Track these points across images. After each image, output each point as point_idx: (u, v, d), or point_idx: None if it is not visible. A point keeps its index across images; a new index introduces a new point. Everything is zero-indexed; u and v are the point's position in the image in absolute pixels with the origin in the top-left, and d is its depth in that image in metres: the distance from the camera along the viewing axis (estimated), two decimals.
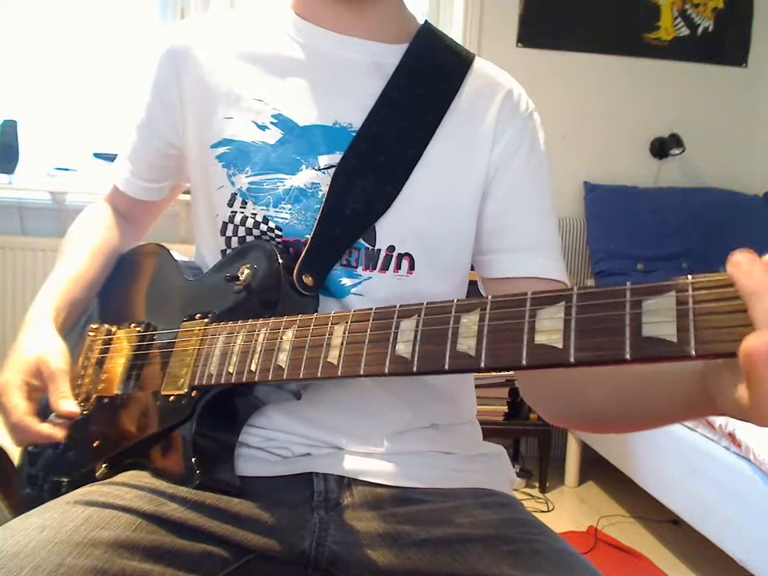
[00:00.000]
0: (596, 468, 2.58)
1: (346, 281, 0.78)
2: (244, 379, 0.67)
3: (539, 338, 0.47)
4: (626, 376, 0.66)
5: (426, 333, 0.53)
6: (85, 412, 0.84)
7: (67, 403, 0.74)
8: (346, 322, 0.60)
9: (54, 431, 0.75)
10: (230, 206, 0.79)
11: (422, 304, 0.55)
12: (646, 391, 0.63)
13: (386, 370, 0.54)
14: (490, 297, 0.51)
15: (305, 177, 0.78)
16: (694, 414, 0.57)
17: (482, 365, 0.49)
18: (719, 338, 0.40)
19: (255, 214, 0.78)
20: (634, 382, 0.64)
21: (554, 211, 0.86)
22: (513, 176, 0.82)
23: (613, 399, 0.68)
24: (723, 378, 0.46)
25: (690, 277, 0.42)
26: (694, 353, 0.41)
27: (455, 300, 0.53)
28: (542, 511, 2.38)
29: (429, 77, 0.82)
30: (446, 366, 0.51)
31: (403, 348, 0.54)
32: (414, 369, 0.53)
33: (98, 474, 0.78)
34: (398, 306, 0.57)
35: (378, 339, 0.56)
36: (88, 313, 0.91)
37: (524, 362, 0.47)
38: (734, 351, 0.40)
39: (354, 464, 0.77)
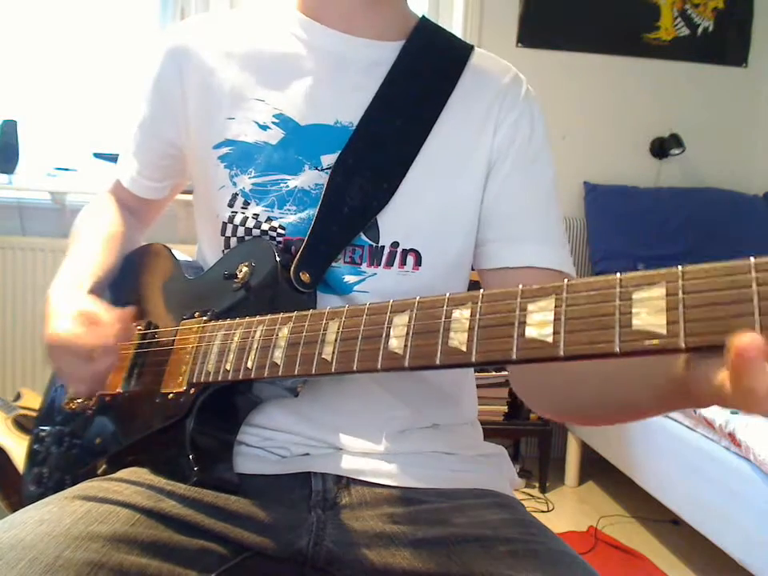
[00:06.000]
0: (596, 468, 2.58)
1: (350, 278, 0.77)
2: (240, 376, 0.67)
3: (530, 333, 0.46)
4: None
5: (418, 328, 0.53)
6: (89, 411, 0.84)
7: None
8: (341, 318, 0.60)
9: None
10: (231, 207, 0.79)
11: (416, 299, 0.55)
12: (624, 374, 0.61)
13: (379, 366, 0.54)
14: (482, 291, 0.51)
15: (307, 177, 0.78)
16: (670, 399, 0.54)
17: (473, 360, 0.49)
18: (709, 330, 0.40)
19: (257, 215, 0.78)
20: (615, 367, 0.63)
21: (555, 198, 0.85)
22: (512, 162, 0.82)
23: (597, 387, 0.67)
24: (701, 361, 0.45)
25: (679, 267, 0.42)
26: (683, 345, 0.40)
27: (447, 294, 0.53)
28: (542, 511, 2.37)
29: (425, 73, 0.82)
30: (438, 362, 0.51)
31: (396, 343, 0.54)
32: (407, 364, 0.53)
33: (98, 471, 0.78)
34: (391, 301, 0.57)
35: (372, 335, 0.56)
36: None
37: (514, 357, 0.46)
38: (723, 344, 0.39)
39: (352, 464, 0.77)
